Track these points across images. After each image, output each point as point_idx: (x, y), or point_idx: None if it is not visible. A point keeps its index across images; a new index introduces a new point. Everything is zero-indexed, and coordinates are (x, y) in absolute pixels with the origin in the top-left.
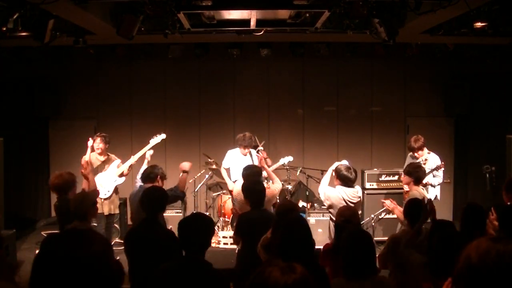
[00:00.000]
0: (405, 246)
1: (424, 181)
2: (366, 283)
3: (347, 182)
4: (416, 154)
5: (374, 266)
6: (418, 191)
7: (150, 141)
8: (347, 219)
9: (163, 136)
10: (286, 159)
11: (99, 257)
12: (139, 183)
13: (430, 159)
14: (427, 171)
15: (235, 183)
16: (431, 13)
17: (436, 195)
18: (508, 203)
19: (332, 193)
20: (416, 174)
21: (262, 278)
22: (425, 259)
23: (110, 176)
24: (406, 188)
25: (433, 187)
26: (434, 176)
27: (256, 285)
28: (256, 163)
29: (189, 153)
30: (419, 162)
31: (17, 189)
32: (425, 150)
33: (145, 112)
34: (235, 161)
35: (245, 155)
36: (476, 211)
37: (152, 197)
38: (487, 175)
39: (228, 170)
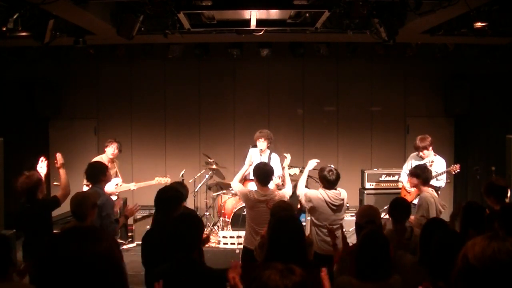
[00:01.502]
0: (396, 248)
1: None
2: (375, 285)
3: (325, 183)
4: (421, 154)
5: (387, 268)
6: (429, 192)
7: (156, 178)
8: (371, 219)
9: (168, 180)
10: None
11: (107, 253)
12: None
13: (436, 162)
14: (433, 174)
15: (249, 184)
16: (431, 13)
17: None
18: (492, 206)
19: (313, 194)
20: (425, 175)
21: (261, 282)
22: (416, 259)
23: (108, 188)
24: (409, 189)
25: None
26: (437, 180)
27: None
28: (274, 164)
29: (189, 153)
30: (425, 164)
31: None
32: (432, 151)
33: (145, 112)
34: (254, 161)
35: (262, 153)
36: (475, 210)
37: (165, 197)
38: (478, 177)
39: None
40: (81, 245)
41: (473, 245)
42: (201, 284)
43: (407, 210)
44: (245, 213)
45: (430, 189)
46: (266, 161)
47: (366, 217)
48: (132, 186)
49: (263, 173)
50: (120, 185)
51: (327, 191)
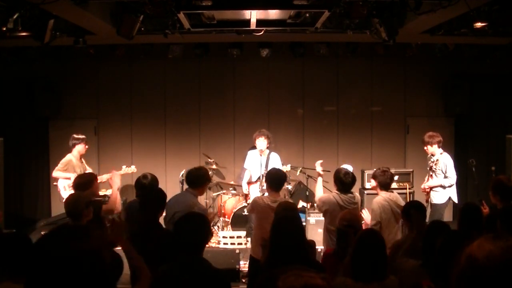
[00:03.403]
0: (403, 254)
1: (435, 183)
2: (371, 286)
3: (341, 186)
4: (425, 149)
5: (383, 269)
6: (382, 196)
7: (123, 167)
8: (349, 224)
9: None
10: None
11: (94, 252)
12: None
13: (441, 160)
14: (438, 174)
15: (250, 187)
16: (431, 13)
17: (450, 197)
18: (496, 204)
19: (326, 197)
20: (380, 178)
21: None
22: (418, 262)
23: None
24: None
25: (443, 188)
26: (445, 177)
27: None
28: (274, 164)
29: (189, 153)
30: (387, 167)
31: (17, 189)
32: (439, 149)
33: (145, 112)
34: (253, 162)
35: (262, 153)
36: (473, 211)
37: (152, 198)
38: (473, 169)
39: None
40: (65, 243)
41: (479, 246)
42: (204, 285)
43: (424, 213)
44: (245, 213)
45: (387, 193)
46: (265, 161)
47: (346, 222)
48: (105, 177)
49: (276, 178)
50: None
51: (341, 194)
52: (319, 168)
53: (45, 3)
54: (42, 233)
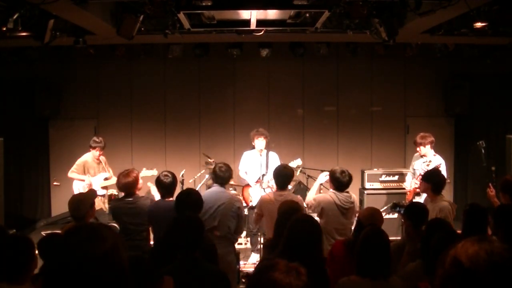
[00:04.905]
0: (409, 259)
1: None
2: (376, 282)
3: (337, 185)
4: (417, 150)
5: (387, 267)
6: (446, 200)
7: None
8: (373, 223)
9: (155, 172)
10: (295, 163)
11: (107, 256)
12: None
13: (434, 162)
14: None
15: (249, 189)
16: (431, 13)
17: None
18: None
19: (322, 196)
20: (434, 180)
21: (270, 282)
22: (416, 263)
23: (96, 183)
24: (408, 187)
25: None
26: None
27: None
28: (273, 163)
29: (189, 153)
30: (436, 167)
31: (17, 189)
32: (431, 151)
33: (145, 112)
34: (252, 163)
35: (261, 153)
36: (478, 212)
37: (187, 200)
38: (482, 151)
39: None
40: (80, 247)
41: (464, 248)
42: (206, 283)
43: (426, 215)
44: (245, 213)
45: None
46: (264, 160)
47: (370, 220)
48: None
49: (282, 176)
50: (110, 178)
51: (338, 193)
52: (322, 179)
53: (45, 3)
54: (43, 233)
